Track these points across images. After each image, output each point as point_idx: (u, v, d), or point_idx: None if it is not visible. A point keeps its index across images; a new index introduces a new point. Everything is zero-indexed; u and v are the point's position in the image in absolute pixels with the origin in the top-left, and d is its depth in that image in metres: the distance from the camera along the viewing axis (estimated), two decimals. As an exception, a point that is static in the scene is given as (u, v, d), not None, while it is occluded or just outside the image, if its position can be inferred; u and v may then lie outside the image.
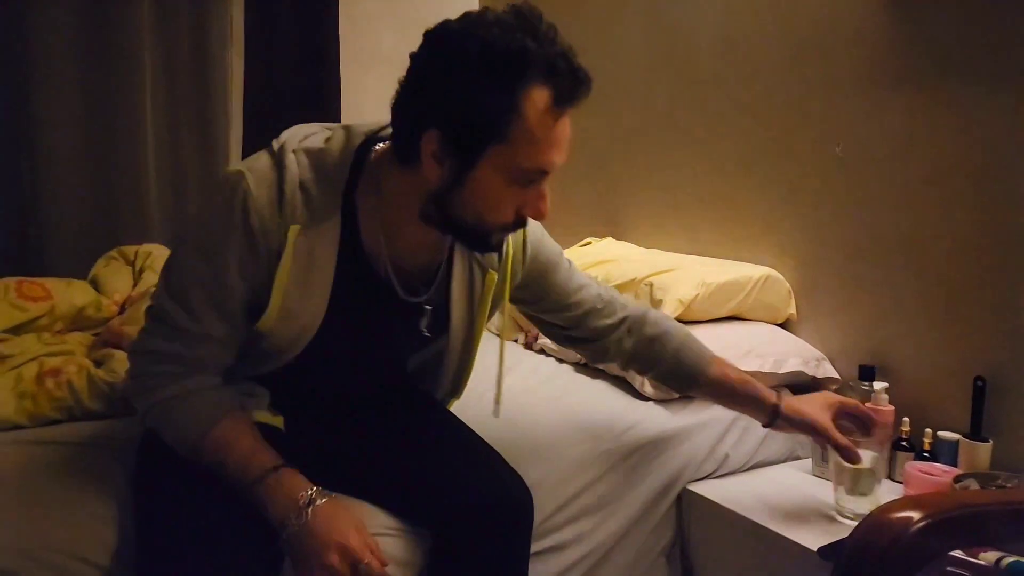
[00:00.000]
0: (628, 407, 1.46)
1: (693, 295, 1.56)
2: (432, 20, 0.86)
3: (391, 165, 0.91)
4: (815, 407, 1.17)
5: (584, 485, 1.26)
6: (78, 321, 1.49)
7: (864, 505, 1.18)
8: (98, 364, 1.26)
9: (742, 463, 1.46)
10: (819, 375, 1.57)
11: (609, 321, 1.15)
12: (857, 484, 1.20)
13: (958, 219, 1.37)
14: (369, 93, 2.47)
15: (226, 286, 0.89)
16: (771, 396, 1.19)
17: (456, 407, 1.25)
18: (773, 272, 1.67)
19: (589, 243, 2.09)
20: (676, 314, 1.54)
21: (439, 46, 0.83)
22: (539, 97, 0.79)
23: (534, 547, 1.18)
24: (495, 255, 1.03)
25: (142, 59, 2.06)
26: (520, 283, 1.10)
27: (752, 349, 1.53)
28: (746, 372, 1.49)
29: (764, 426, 1.21)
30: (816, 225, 1.63)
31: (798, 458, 1.52)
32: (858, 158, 1.54)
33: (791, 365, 1.54)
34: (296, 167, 0.89)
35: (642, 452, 1.34)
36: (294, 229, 0.87)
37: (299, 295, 0.91)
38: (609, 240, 2.09)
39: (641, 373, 1.27)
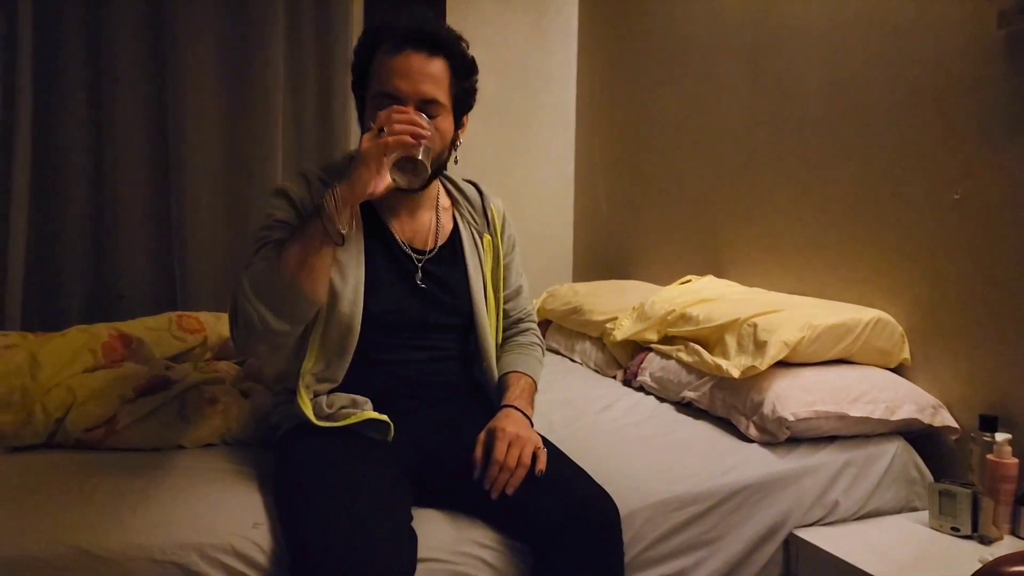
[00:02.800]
0: (731, 448, 1.47)
1: (799, 337, 1.52)
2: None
3: None
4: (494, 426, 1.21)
5: (685, 521, 1.28)
6: (224, 351, 1.69)
7: None
8: (244, 395, 1.42)
9: (853, 511, 1.43)
10: (936, 423, 1.51)
11: (512, 316, 1.45)
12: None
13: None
14: (474, 135, 2.62)
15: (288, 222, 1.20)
16: (507, 400, 1.27)
17: (557, 435, 1.35)
18: (884, 315, 1.62)
19: (689, 281, 2.09)
20: (781, 356, 1.52)
21: None
22: (384, 48, 1.23)
23: (639, 579, 1.22)
24: (485, 222, 1.37)
25: (276, 120, 2.45)
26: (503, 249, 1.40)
27: (863, 394, 1.50)
28: (856, 417, 1.48)
29: None
30: (932, 270, 1.59)
31: (915, 509, 1.47)
32: (977, 203, 1.50)
33: (905, 412, 1.50)
34: (313, 168, 1.30)
35: (745, 493, 1.35)
36: None
37: (341, 254, 1.19)
38: (710, 278, 2.09)
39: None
